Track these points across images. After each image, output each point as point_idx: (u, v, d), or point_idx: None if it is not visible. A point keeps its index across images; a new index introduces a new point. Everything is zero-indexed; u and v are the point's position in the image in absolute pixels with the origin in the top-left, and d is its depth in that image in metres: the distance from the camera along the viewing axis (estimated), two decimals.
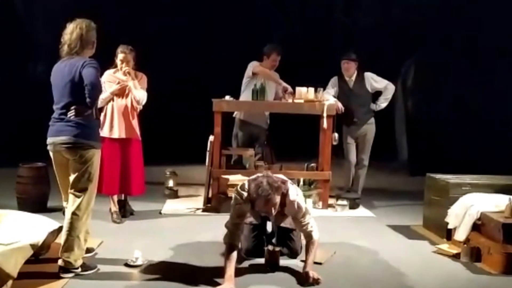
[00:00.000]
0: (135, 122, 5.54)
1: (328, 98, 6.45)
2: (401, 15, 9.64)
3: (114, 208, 5.64)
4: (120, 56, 5.53)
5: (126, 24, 8.95)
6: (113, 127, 5.45)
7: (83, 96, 3.85)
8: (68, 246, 3.91)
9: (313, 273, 3.91)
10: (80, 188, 3.95)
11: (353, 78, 6.77)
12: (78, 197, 3.95)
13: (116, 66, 5.57)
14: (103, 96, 5.23)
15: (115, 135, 5.45)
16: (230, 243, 4.01)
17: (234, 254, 3.95)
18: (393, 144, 10.53)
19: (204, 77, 9.48)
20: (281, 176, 4.33)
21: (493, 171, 5.74)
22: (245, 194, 4.03)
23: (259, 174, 4.07)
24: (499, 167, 6.26)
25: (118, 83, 5.52)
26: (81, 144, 3.91)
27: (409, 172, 9.00)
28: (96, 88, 3.89)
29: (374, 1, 10.26)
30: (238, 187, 4.18)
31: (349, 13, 10.31)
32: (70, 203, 3.97)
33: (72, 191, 3.97)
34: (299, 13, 10.50)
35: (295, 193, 4.16)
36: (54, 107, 4.02)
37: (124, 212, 5.74)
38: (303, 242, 4.41)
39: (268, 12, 10.24)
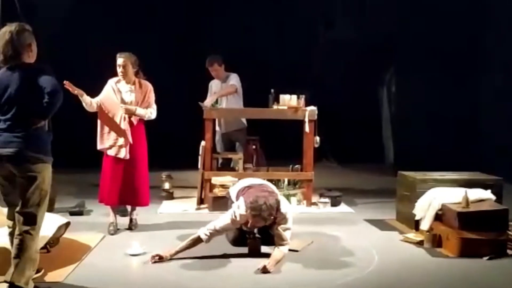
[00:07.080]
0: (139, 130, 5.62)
1: None
2: (380, 25, 10.13)
3: (112, 219, 5.57)
4: (118, 61, 5.41)
5: (118, 38, 9.43)
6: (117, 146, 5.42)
7: (33, 106, 3.54)
8: (20, 270, 3.51)
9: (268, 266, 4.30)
10: (31, 205, 3.58)
11: None
12: (31, 215, 3.59)
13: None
14: (95, 100, 5.39)
15: (121, 154, 5.41)
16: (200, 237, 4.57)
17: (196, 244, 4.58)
18: (381, 147, 11.03)
19: (195, 87, 10.00)
20: (270, 185, 4.95)
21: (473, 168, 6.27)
22: (244, 213, 4.47)
23: (258, 194, 4.49)
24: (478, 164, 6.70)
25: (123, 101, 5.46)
26: (29, 157, 3.55)
27: (394, 173, 9.44)
28: (56, 98, 3.53)
29: (354, 13, 10.77)
30: (236, 209, 4.55)
31: (330, 25, 10.81)
32: (21, 222, 3.59)
33: (23, 209, 3.59)
34: (280, 26, 10.99)
35: (285, 204, 4.69)
36: (1, 117, 3.63)
37: (130, 224, 5.69)
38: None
39: (252, 24, 10.70)
